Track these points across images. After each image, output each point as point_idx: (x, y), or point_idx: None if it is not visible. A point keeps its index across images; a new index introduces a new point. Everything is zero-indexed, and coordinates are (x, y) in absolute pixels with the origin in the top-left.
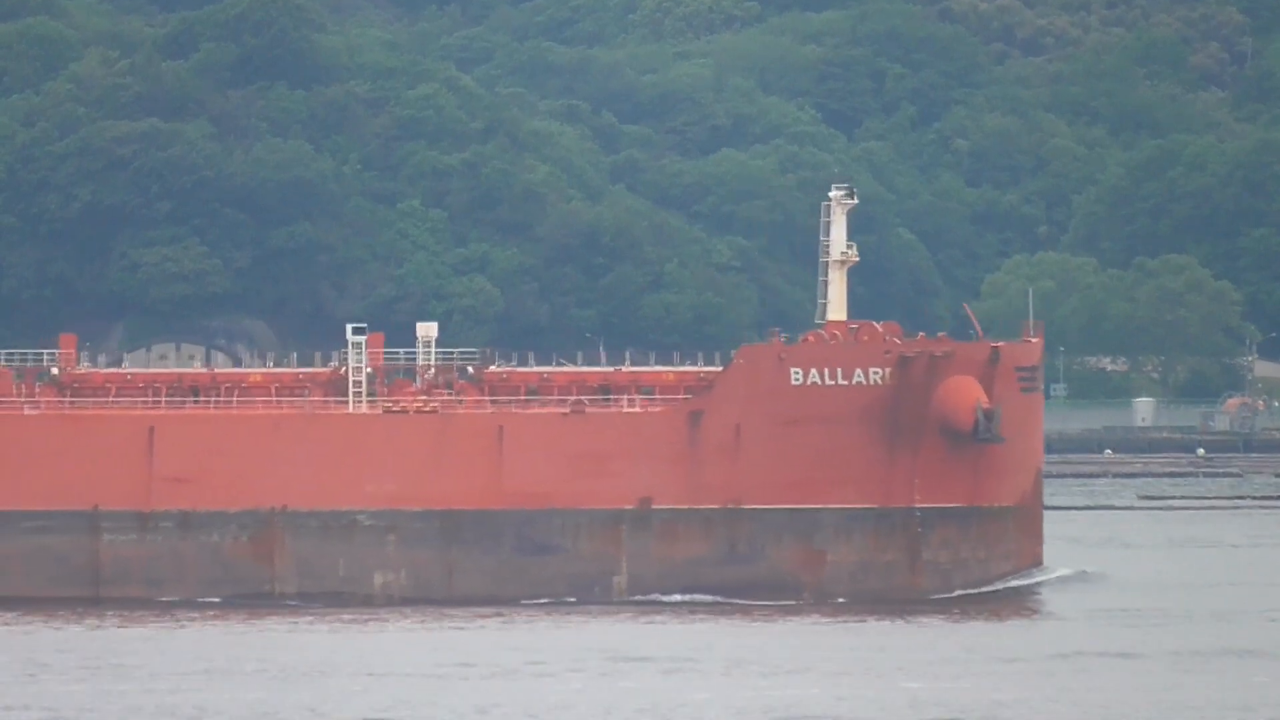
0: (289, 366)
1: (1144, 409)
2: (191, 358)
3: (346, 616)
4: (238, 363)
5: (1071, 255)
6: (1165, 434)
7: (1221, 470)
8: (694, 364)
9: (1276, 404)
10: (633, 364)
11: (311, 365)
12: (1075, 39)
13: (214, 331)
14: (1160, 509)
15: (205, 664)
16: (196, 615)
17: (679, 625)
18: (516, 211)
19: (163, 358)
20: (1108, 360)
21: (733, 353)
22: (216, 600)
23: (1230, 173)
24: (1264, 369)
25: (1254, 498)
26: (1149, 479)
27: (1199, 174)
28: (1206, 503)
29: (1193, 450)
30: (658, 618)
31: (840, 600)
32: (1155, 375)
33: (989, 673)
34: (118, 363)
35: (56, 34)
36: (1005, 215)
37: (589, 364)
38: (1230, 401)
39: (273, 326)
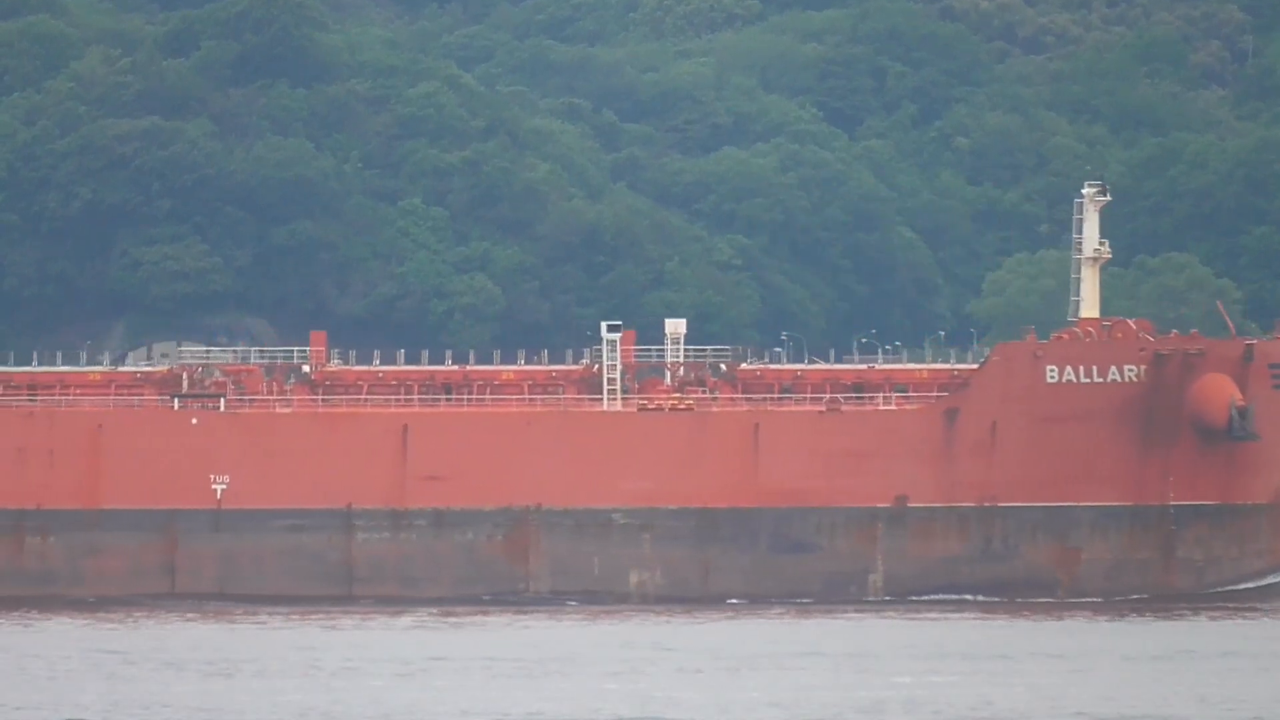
0: (540, 364)
1: None
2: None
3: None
4: (242, 360)
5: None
6: None
7: None
8: (946, 361)
9: None
10: (885, 361)
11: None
12: (1076, 37)
13: (215, 329)
14: None
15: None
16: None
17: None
18: (517, 210)
19: (164, 356)
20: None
21: (986, 350)
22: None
23: (1231, 171)
24: None
25: None
26: None
27: (1200, 172)
28: None
29: None
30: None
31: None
32: None
33: None
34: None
35: (57, 32)
36: (1006, 213)
37: (838, 361)
38: None
39: (274, 324)
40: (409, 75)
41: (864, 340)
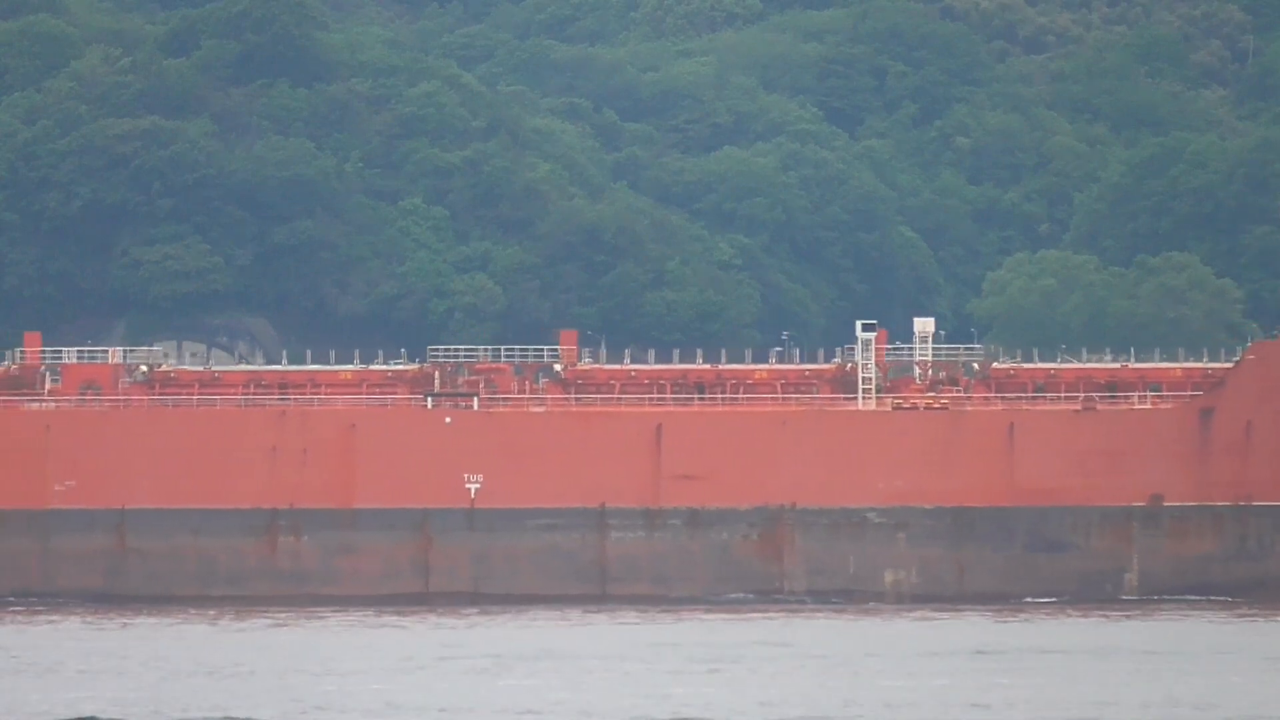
0: (792, 363)
1: None
2: (193, 355)
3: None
4: (240, 361)
5: (1073, 253)
6: None
7: None
8: (1199, 360)
9: None
10: (1138, 360)
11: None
12: (1077, 37)
13: (216, 329)
14: None
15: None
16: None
17: None
18: (518, 209)
19: (165, 355)
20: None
21: (1240, 349)
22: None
23: (1232, 170)
24: None
25: None
26: None
27: (1200, 171)
28: None
29: None
30: None
31: None
32: None
33: None
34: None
35: (58, 32)
36: (1007, 213)
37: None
38: None
39: (274, 324)
40: (409, 75)
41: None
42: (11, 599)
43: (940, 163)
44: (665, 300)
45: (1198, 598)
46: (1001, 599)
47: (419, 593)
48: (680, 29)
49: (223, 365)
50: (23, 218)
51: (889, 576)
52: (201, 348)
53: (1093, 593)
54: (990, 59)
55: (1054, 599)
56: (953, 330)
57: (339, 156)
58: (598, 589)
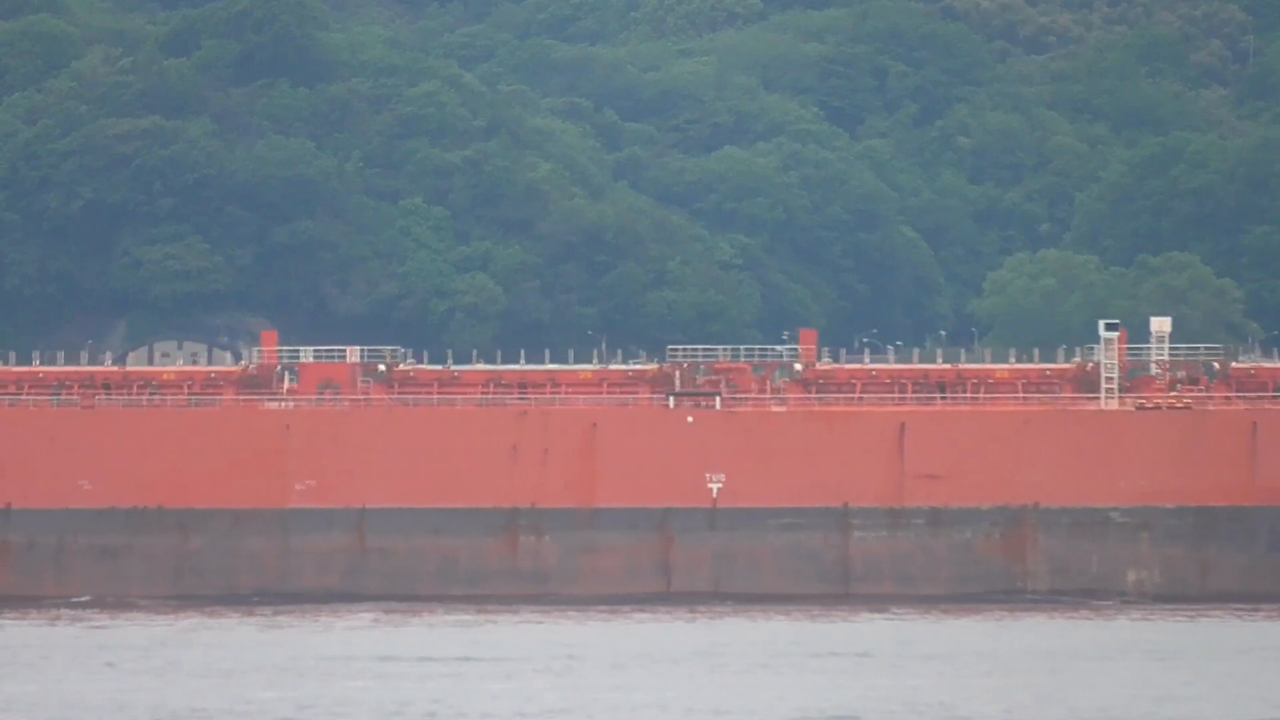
0: (1032, 362)
1: None
2: (194, 355)
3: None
4: (238, 359)
5: (1074, 253)
6: None
7: None
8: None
9: None
10: None
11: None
12: (1077, 37)
13: (216, 329)
14: None
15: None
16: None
17: None
18: (518, 209)
19: (165, 355)
20: None
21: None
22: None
23: (1232, 170)
24: None
25: None
26: None
27: (1201, 171)
28: None
29: None
30: None
31: None
32: None
33: None
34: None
35: (58, 32)
36: (1007, 213)
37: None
38: None
39: (275, 324)
40: (410, 74)
41: (865, 340)
42: (255, 598)
43: (941, 163)
44: (666, 300)
45: None
46: (1244, 599)
47: (660, 592)
48: (681, 29)
49: (462, 366)
50: (23, 218)
51: (1131, 576)
52: (202, 348)
53: None
54: (991, 59)
55: None
56: (954, 330)
57: (339, 156)
58: (840, 589)
